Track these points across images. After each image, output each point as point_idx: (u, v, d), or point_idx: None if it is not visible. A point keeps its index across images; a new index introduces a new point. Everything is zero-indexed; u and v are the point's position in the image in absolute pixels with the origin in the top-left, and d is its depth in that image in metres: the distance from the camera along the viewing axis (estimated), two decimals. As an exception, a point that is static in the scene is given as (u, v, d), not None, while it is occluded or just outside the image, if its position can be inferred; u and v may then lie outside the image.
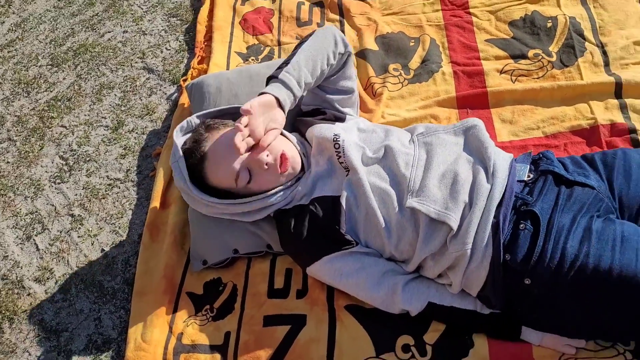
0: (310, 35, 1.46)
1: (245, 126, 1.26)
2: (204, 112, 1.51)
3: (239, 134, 1.25)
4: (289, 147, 1.40)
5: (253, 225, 1.50)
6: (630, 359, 1.24)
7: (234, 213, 1.45)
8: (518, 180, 1.31)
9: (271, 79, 1.37)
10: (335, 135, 1.39)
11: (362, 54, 1.93)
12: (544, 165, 1.34)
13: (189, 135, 1.46)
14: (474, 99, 1.75)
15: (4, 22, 2.40)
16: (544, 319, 1.25)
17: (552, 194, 1.27)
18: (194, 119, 1.48)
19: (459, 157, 1.35)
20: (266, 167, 1.34)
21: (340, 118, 1.53)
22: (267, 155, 1.34)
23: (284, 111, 1.35)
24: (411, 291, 1.33)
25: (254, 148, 1.33)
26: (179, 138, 1.42)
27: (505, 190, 1.27)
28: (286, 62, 1.39)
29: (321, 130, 1.43)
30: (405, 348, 1.34)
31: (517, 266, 1.20)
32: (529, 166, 1.35)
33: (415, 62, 1.89)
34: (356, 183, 1.34)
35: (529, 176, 1.32)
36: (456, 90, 1.78)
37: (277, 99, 1.32)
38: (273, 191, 1.40)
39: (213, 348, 1.42)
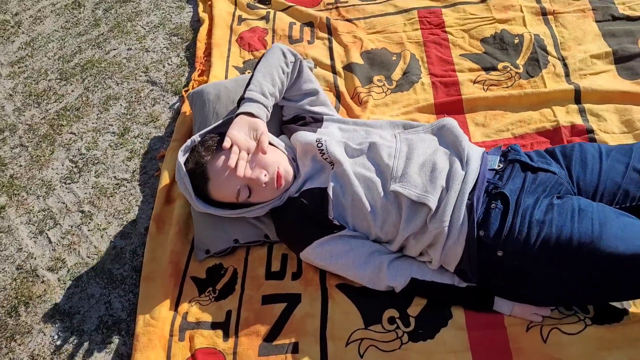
0: (261, 57, 1.66)
1: (239, 152, 1.45)
2: (204, 130, 1.62)
3: (241, 164, 1.44)
4: (282, 160, 1.55)
5: (252, 218, 1.65)
6: (590, 324, 1.39)
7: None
8: (489, 169, 1.48)
9: (240, 101, 1.56)
10: (318, 138, 1.56)
11: (349, 67, 2.12)
12: (512, 156, 1.51)
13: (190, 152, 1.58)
14: (450, 106, 1.94)
15: (14, 41, 2.57)
16: (515, 288, 1.40)
17: (519, 178, 1.44)
18: (196, 138, 1.59)
19: (437, 149, 1.52)
20: (264, 185, 1.50)
21: (318, 119, 1.70)
22: (265, 175, 1.49)
23: (261, 120, 1.53)
24: (395, 268, 1.48)
25: (253, 157, 1.49)
26: (182, 157, 1.55)
27: (478, 176, 1.44)
28: (248, 84, 1.59)
29: (304, 136, 1.59)
30: (391, 320, 1.48)
31: (490, 240, 1.36)
32: (499, 157, 1.52)
33: (397, 74, 2.08)
34: (341, 174, 1.50)
35: (499, 165, 1.49)
36: (434, 98, 1.97)
37: (250, 114, 1.51)
38: (270, 200, 1.56)
39: (216, 325, 1.54)
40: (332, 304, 1.53)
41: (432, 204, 1.40)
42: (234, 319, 1.55)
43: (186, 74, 2.26)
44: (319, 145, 1.54)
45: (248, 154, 1.47)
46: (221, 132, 1.58)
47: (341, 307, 1.52)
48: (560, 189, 1.42)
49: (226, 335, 1.52)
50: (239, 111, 1.53)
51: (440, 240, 1.40)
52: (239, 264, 1.67)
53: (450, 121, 1.59)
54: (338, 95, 2.04)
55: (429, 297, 1.50)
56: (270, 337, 1.50)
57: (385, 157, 1.50)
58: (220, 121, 1.65)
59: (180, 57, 2.34)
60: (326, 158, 1.53)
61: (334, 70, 2.13)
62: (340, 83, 2.08)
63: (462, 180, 1.43)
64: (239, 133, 1.48)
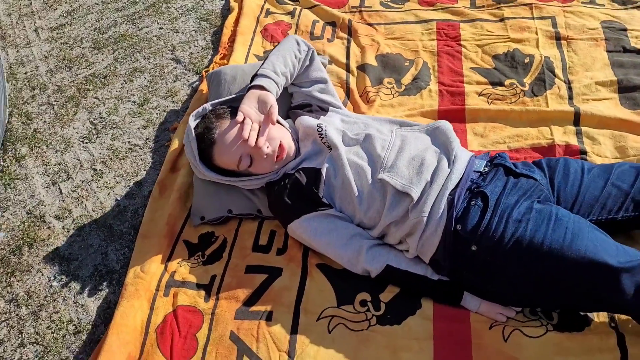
0: (277, 45, 1.79)
1: (252, 124, 1.57)
2: (216, 100, 1.75)
3: (252, 135, 1.56)
4: (286, 136, 1.66)
5: (247, 191, 1.75)
6: (551, 330, 1.43)
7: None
8: (475, 171, 1.56)
9: (253, 77, 1.68)
10: (319, 123, 1.67)
11: (362, 68, 2.22)
12: (498, 160, 1.58)
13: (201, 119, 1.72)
14: (453, 114, 2.00)
15: (56, 9, 2.74)
16: (485, 283, 1.46)
17: (501, 181, 1.50)
18: (208, 107, 1.73)
19: (428, 147, 1.60)
20: (265, 156, 1.60)
21: (324, 108, 1.80)
22: (267, 147, 1.60)
23: (271, 93, 1.64)
24: (373, 254, 1.55)
25: (261, 129, 1.61)
26: (193, 122, 1.68)
27: (462, 175, 1.52)
28: (262, 64, 1.72)
29: (307, 120, 1.70)
30: (363, 303, 1.55)
31: (467, 235, 1.42)
32: (485, 162, 1.60)
33: (407, 79, 2.16)
34: (336, 157, 1.59)
35: (484, 169, 1.57)
36: (439, 105, 2.04)
37: (261, 87, 1.63)
38: (268, 173, 1.66)
39: (199, 286, 1.64)
40: (310, 281, 1.61)
41: (415, 194, 1.48)
42: (217, 283, 1.64)
43: (209, 57, 2.39)
44: (319, 129, 1.64)
45: (259, 126, 1.59)
46: (232, 105, 1.69)
47: (318, 285, 1.60)
48: (540, 194, 1.47)
49: (207, 297, 1.61)
50: (250, 85, 1.64)
51: (419, 229, 1.47)
52: (229, 234, 1.76)
53: (445, 124, 1.66)
54: (348, 92, 2.13)
55: (401, 285, 1.57)
56: (248, 303, 1.58)
57: (378, 148, 1.59)
58: (232, 95, 1.77)
59: (207, 41, 2.47)
60: (325, 142, 1.63)
61: (347, 69, 2.22)
62: (352, 81, 2.17)
63: (446, 177, 1.50)
64: (250, 108, 1.60)
